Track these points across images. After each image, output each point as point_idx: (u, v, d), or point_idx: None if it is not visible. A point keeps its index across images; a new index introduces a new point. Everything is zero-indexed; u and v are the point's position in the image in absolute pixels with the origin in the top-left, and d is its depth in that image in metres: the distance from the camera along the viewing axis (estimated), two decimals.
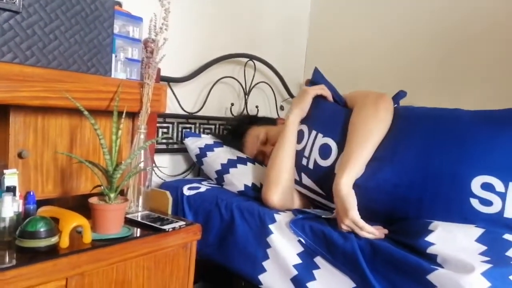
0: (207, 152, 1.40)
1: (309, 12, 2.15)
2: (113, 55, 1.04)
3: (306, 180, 1.14)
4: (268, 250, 1.04)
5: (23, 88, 0.83)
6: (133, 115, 1.12)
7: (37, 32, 0.87)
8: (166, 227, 0.96)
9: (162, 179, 1.46)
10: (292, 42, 2.09)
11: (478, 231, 0.83)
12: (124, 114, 0.99)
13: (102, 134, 0.90)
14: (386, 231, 0.95)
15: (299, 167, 1.15)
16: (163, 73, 1.36)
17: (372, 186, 0.99)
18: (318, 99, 1.22)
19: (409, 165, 0.97)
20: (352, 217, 0.94)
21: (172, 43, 1.13)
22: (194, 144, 1.44)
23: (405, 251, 0.85)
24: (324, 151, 1.10)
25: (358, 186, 1.00)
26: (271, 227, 1.05)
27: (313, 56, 2.16)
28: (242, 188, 1.27)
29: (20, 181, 0.92)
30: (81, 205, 1.01)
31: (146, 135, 1.07)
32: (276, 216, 1.07)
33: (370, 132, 1.03)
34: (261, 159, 1.44)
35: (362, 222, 0.93)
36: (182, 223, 1.00)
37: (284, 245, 1.02)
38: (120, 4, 1.14)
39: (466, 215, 0.90)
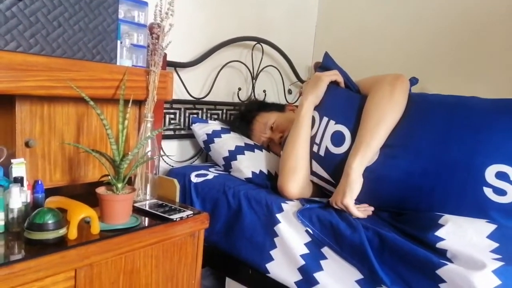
0: (215, 138, 1.39)
1: None
2: (118, 42, 1.02)
3: (316, 167, 1.12)
4: (276, 239, 1.04)
5: (27, 77, 0.81)
6: (139, 102, 1.11)
7: (40, 19, 0.85)
8: (173, 216, 0.96)
9: (169, 165, 1.46)
10: (301, 25, 2.03)
11: (490, 227, 0.81)
12: (130, 102, 0.97)
13: (109, 124, 0.89)
14: (371, 209, 1.01)
15: (310, 154, 1.14)
16: (169, 58, 1.33)
17: (384, 173, 0.99)
18: (330, 85, 1.19)
19: (423, 152, 0.96)
20: (346, 203, 0.97)
21: (178, 27, 1.10)
22: (201, 130, 1.43)
23: (414, 244, 0.84)
24: (337, 138, 1.08)
25: (370, 171, 1.00)
26: (279, 216, 1.05)
27: (322, 39, 2.10)
28: (250, 175, 1.26)
29: (27, 170, 0.92)
30: (89, 192, 1.01)
31: (153, 123, 1.06)
32: (283, 205, 1.06)
33: (384, 115, 1.01)
34: (269, 146, 1.42)
35: (354, 210, 0.97)
36: (189, 212, 1.00)
37: (292, 235, 1.01)
38: None
39: (480, 204, 0.88)
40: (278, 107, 1.50)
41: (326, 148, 1.09)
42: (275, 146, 1.39)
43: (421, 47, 1.73)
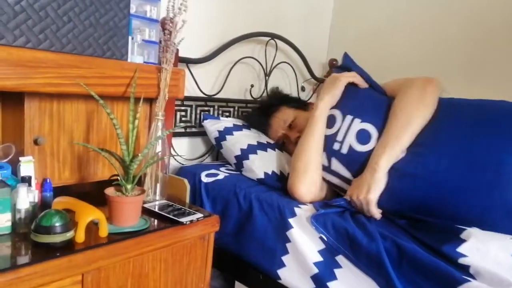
0: (227, 136, 1.36)
1: None
2: (130, 37, 0.99)
3: (336, 165, 1.08)
4: (288, 245, 1.01)
5: (36, 74, 0.79)
6: (151, 99, 1.08)
7: (50, 14, 0.82)
8: (183, 219, 0.93)
9: (180, 163, 1.43)
10: (316, 20, 1.98)
11: None
12: (141, 101, 0.94)
13: (119, 124, 0.86)
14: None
15: (330, 152, 1.10)
16: (181, 54, 1.30)
17: (409, 171, 0.96)
18: (349, 86, 1.16)
19: (450, 152, 0.94)
20: (370, 198, 0.96)
21: (191, 21, 1.06)
22: (213, 126, 1.39)
23: (434, 256, 0.80)
24: (363, 136, 1.06)
25: (395, 169, 0.98)
26: (291, 221, 1.01)
27: (337, 35, 2.05)
28: (262, 176, 1.23)
29: (36, 168, 0.90)
30: (99, 189, 0.99)
31: (163, 122, 1.03)
32: (296, 209, 1.02)
33: (413, 117, 1.01)
34: (284, 144, 1.38)
35: (374, 208, 0.96)
36: (200, 215, 0.97)
37: (305, 241, 0.98)
38: None
39: (508, 207, 0.86)
40: (301, 104, 1.45)
41: (350, 146, 1.06)
42: (291, 144, 1.35)
43: (442, 42, 1.66)
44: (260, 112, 1.46)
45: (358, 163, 1.04)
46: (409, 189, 0.96)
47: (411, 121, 1.00)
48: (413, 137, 1.00)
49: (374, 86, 1.18)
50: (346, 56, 1.26)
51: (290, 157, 1.30)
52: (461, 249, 0.78)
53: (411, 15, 1.76)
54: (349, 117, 1.09)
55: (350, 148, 1.06)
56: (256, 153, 1.28)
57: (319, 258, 0.94)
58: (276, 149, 1.33)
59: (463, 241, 0.79)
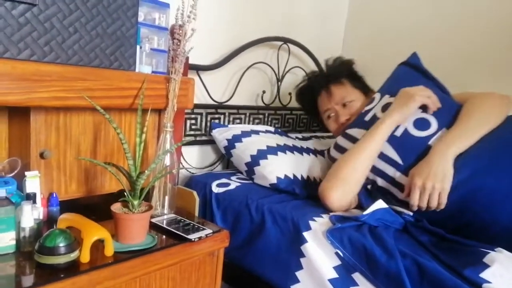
0: (236, 143, 1.32)
1: None
2: (138, 47, 0.96)
3: (384, 147, 1.05)
4: (302, 260, 0.97)
5: (40, 88, 0.77)
6: (159, 109, 1.05)
7: (55, 25, 0.80)
8: (192, 236, 0.90)
9: (190, 172, 1.41)
10: (330, 24, 1.93)
11: None
12: (149, 113, 0.91)
13: (125, 139, 0.83)
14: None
15: None
16: (191, 61, 1.27)
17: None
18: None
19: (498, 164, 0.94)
20: (445, 189, 0.92)
21: (201, 27, 1.03)
22: (221, 135, 1.36)
23: (456, 277, 0.75)
24: (421, 123, 1.05)
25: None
26: (306, 235, 0.97)
27: (351, 39, 1.99)
28: (274, 181, 1.19)
29: (42, 182, 0.88)
30: (106, 201, 0.97)
31: (172, 134, 1.00)
32: (311, 223, 0.98)
33: (493, 117, 1.01)
34: (328, 117, 1.32)
35: (446, 199, 0.93)
36: (209, 231, 0.94)
37: (320, 256, 0.94)
38: None
39: None
40: (364, 88, 1.33)
41: (406, 129, 1.05)
42: (333, 123, 1.31)
43: (465, 49, 1.59)
44: (320, 76, 1.36)
45: (410, 148, 1.02)
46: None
47: (489, 120, 1.00)
48: (485, 132, 0.99)
49: (445, 92, 1.16)
50: (415, 55, 1.22)
51: (301, 159, 1.26)
52: (484, 274, 0.73)
53: (428, 20, 1.69)
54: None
55: (405, 132, 1.04)
56: (266, 158, 1.25)
57: (335, 275, 0.90)
58: (287, 152, 1.29)
59: (487, 266, 0.74)
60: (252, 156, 1.26)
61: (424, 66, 1.21)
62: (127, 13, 0.91)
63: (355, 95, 1.28)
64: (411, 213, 1.01)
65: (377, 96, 1.19)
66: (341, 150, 1.15)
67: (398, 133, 1.05)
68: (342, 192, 1.03)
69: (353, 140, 1.13)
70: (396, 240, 0.89)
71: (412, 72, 1.21)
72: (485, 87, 1.50)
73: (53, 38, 0.80)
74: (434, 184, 0.92)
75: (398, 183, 1.03)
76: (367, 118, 1.14)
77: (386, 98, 1.15)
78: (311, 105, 1.40)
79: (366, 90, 1.32)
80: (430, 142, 1.02)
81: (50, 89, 0.78)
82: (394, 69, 1.26)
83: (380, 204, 0.98)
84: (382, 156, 1.05)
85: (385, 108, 1.11)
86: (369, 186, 1.10)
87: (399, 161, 1.02)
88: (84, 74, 0.83)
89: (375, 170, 1.07)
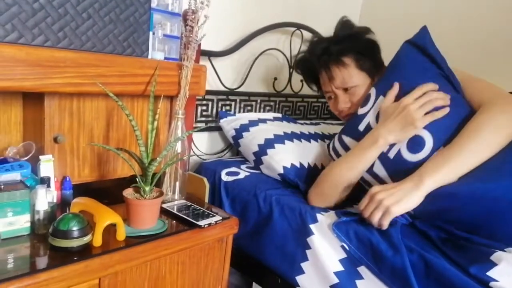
0: (243, 133, 1.32)
1: None
2: (151, 33, 0.96)
3: (378, 168, 0.98)
4: (308, 252, 0.98)
5: (54, 74, 0.77)
6: (171, 96, 1.06)
7: (69, 11, 0.80)
8: (202, 222, 0.91)
9: (200, 158, 1.42)
10: (344, 10, 1.89)
11: None
12: (161, 100, 0.92)
13: (138, 125, 0.84)
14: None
15: None
16: (203, 47, 1.26)
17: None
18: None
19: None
20: (391, 212, 0.84)
21: (212, 13, 1.02)
22: (229, 125, 1.36)
23: (463, 274, 0.75)
24: (415, 143, 0.93)
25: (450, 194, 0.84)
26: (312, 227, 0.98)
27: (366, 23, 1.95)
28: (282, 171, 1.19)
29: (56, 166, 0.90)
30: (119, 185, 0.99)
31: (184, 121, 1.01)
32: (318, 216, 0.99)
33: (492, 143, 0.85)
34: (329, 99, 1.19)
35: (386, 223, 0.86)
36: (218, 218, 0.95)
37: (326, 249, 0.94)
38: None
39: None
40: (373, 68, 1.10)
41: (399, 151, 0.94)
42: (335, 103, 1.15)
43: (482, 39, 1.55)
44: (322, 50, 1.14)
45: (402, 172, 0.91)
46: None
47: (485, 152, 0.85)
48: (477, 164, 0.85)
49: (452, 79, 0.99)
50: (424, 31, 1.04)
51: (310, 147, 1.26)
52: (491, 273, 0.72)
53: (444, 9, 1.65)
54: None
55: (398, 154, 0.94)
56: (273, 147, 1.24)
57: (340, 268, 0.91)
58: (294, 140, 1.28)
59: (494, 264, 0.74)
60: (259, 146, 1.26)
61: (434, 46, 1.02)
62: None
63: (359, 79, 1.09)
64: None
65: (372, 93, 1.04)
66: (336, 154, 1.12)
67: (392, 154, 0.96)
68: (324, 202, 1.03)
69: (347, 148, 1.07)
70: (403, 235, 0.88)
71: (418, 56, 1.03)
72: (505, 78, 1.47)
73: (67, 24, 0.80)
74: (384, 201, 0.85)
75: None
76: (361, 127, 1.03)
77: (382, 101, 1.01)
78: (312, 79, 1.24)
79: (374, 71, 1.11)
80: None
81: (64, 75, 0.79)
82: (398, 51, 1.07)
83: None
84: (373, 174, 1.00)
85: (378, 117, 1.00)
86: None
87: (389, 180, 0.97)
88: (98, 60, 0.83)
89: (368, 184, 1.03)
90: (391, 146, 0.96)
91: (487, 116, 0.88)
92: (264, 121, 1.39)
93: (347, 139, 1.08)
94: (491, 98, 0.91)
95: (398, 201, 0.85)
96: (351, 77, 1.09)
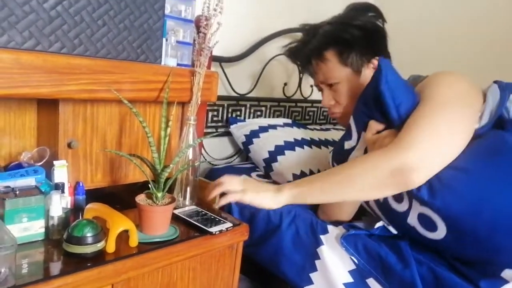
0: (253, 139, 1.33)
1: None
2: (164, 39, 0.97)
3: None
4: (317, 262, 0.97)
5: (70, 81, 0.78)
6: (183, 102, 1.06)
7: (85, 18, 0.81)
8: (213, 229, 0.91)
9: (210, 163, 1.42)
10: None
11: None
12: (174, 106, 0.92)
13: (151, 132, 0.84)
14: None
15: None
16: (214, 53, 1.27)
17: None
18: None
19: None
20: (241, 198, 0.87)
21: (224, 20, 1.02)
22: (239, 131, 1.37)
23: None
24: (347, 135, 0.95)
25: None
26: (322, 237, 0.97)
27: None
28: (291, 179, 1.19)
29: (69, 171, 0.90)
30: (130, 190, 0.99)
31: (195, 127, 1.01)
32: (329, 227, 0.98)
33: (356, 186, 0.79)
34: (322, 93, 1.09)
35: (222, 202, 0.88)
36: (229, 224, 0.95)
37: (335, 260, 0.94)
38: None
39: None
40: (359, 62, 1.00)
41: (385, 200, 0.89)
42: (327, 98, 1.06)
43: (491, 42, 1.55)
44: (304, 42, 1.07)
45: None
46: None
47: (347, 186, 0.79)
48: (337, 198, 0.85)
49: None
50: (385, 66, 0.85)
51: (321, 155, 1.25)
52: None
53: (458, 12, 1.64)
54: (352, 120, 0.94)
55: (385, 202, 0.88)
56: (284, 153, 1.24)
57: (349, 279, 0.90)
58: (305, 146, 1.28)
59: (505, 281, 0.73)
60: (269, 152, 1.26)
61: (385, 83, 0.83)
62: (154, 6, 0.91)
63: (340, 75, 0.99)
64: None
65: (352, 126, 0.94)
66: None
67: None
68: (332, 218, 1.02)
69: None
70: (412, 248, 0.87)
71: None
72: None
73: (82, 31, 0.81)
74: (234, 183, 0.87)
75: None
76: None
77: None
78: (304, 69, 1.15)
79: (360, 65, 1.00)
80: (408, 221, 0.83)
81: (79, 81, 0.79)
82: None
83: None
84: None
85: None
86: None
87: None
88: (112, 67, 0.84)
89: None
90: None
91: (369, 156, 0.80)
92: (274, 127, 1.39)
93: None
94: (397, 139, 0.77)
95: (256, 194, 0.86)
96: (332, 73, 1.00)
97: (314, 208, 1.09)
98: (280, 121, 1.49)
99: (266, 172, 1.29)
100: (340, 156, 0.98)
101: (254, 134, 1.33)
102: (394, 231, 0.90)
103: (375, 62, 1.01)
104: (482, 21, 1.57)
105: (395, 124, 0.81)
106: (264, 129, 1.36)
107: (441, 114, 0.74)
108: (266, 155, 1.27)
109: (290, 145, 1.27)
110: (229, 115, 1.46)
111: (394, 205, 0.84)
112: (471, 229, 0.73)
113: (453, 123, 0.74)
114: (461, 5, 1.63)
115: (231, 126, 1.39)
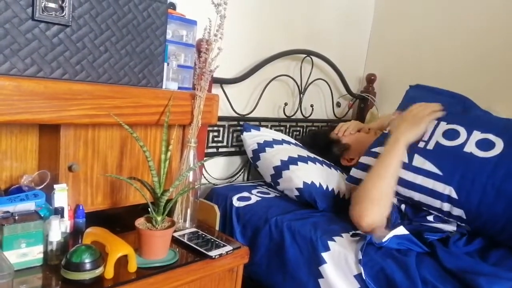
0: (267, 148, 1.34)
1: (373, 1, 1.95)
2: (165, 64, 0.98)
3: (418, 160, 1.06)
4: (320, 281, 0.96)
5: (71, 107, 0.79)
6: (183, 125, 1.07)
7: (87, 45, 0.83)
8: (213, 253, 0.91)
9: (210, 182, 1.42)
10: (354, 36, 1.91)
11: None
12: (175, 129, 0.93)
13: (151, 156, 0.85)
14: None
15: (411, 149, 1.09)
16: (215, 74, 1.28)
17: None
18: None
19: None
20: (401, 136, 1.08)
21: (224, 41, 1.03)
22: (252, 139, 1.37)
23: None
24: (450, 134, 1.07)
25: None
26: (325, 255, 0.97)
27: (376, 49, 1.97)
28: (301, 186, 1.19)
29: (70, 194, 0.90)
30: (130, 212, 0.99)
31: (196, 149, 1.02)
32: (330, 244, 0.98)
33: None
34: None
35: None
36: (229, 248, 0.95)
37: (339, 278, 0.93)
38: (174, 6, 1.06)
39: None
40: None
41: (437, 142, 1.06)
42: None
43: (486, 59, 1.56)
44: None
45: (446, 156, 1.03)
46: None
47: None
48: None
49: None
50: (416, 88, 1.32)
51: (335, 173, 1.29)
52: None
53: (454, 31, 1.66)
54: (434, 122, 1.11)
55: (437, 144, 1.06)
56: (296, 164, 1.26)
57: None
58: (317, 163, 1.29)
59: None
60: (282, 161, 1.27)
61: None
62: (156, 31, 0.93)
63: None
64: (452, 229, 1.02)
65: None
66: (366, 168, 1.14)
67: (430, 146, 1.06)
68: (376, 214, 1.02)
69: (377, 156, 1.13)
70: (418, 265, 0.88)
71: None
72: (506, 99, 1.47)
73: (84, 57, 0.83)
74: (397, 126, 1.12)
75: (437, 193, 1.02)
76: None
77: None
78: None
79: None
80: (465, 149, 1.02)
81: (81, 107, 0.80)
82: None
83: (401, 230, 0.96)
84: (419, 171, 1.05)
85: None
86: (403, 206, 1.10)
87: (438, 172, 1.02)
88: (113, 92, 0.85)
89: (411, 185, 1.06)
90: (428, 142, 1.08)
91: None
92: (288, 142, 1.41)
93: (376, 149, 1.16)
94: None
95: (406, 130, 1.09)
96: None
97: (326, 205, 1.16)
98: (293, 140, 1.49)
99: (273, 180, 1.29)
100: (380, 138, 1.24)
101: (268, 144, 1.34)
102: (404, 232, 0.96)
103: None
104: (479, 37, 1.59)
105: None
106: (278, 142, 1.38)
107: None
108: (278, 163, 1.27)
109: (303, 159, 1.28)
110: (230, 135, 1.47)
111: (447, 143, 1.06)
112: None
113: None
114: (458, 22, 1.65)
115: (244, 133, 1.39)
